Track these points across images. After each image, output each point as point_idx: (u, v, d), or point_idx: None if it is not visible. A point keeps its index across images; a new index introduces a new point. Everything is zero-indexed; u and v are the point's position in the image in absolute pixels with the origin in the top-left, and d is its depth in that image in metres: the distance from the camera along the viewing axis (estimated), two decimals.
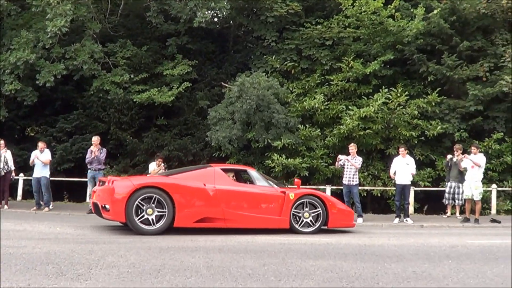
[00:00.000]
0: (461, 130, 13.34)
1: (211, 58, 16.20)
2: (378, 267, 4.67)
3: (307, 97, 13.72)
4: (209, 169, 7.98)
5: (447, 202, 11.41)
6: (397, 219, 10.27)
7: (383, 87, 13.20)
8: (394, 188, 10.79)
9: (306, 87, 14.03)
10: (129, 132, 15.09)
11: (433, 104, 13.30)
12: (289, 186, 9.95)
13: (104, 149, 10.63)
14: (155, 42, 15.63)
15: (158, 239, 6.34)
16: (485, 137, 13.49)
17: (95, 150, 10.28)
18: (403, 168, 10.26)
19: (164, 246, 5.63)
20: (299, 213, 7.83)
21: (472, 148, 10.49)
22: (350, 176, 10.13)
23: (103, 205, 7.11)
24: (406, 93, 13.33)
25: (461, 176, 10.91)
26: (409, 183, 10.45)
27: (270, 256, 5.17)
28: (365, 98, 13.48)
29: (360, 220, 9.97)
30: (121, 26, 15.62)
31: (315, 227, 7.83)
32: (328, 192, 12.25)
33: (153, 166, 11.00)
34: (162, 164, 10.96)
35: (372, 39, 14.06)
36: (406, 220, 10.18)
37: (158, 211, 7.00)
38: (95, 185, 9.03)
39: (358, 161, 10.26)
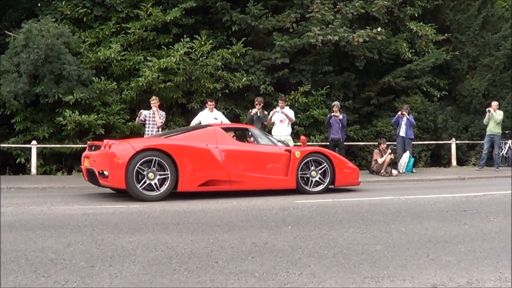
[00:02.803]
0: (267, 83, 16.20)
1: None
2: (210, 239, 4.92)
3: (102, 47, 15.50)
4: (209, 129, 9.22)
5: None
6: None
7: (185, 37, 15.42)
8: None
9: (100, 36, 15.81)
10: None
11: (238, 55, 16.04)
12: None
13: None
14: None
15: None
16: (291, 90, 16.50)
17: None
18: (212, 122, 12.28)
19: None
20: (306, 172, 9.39)
21: (280, 101, 13.17)
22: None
23: (101, 171, 8.11)
24: (210, 42, 15.70)
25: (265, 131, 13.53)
26: None
27: (74, 232, 5.22)
28: (165, 48, 15.68)
29: None
30: None
31: (323, 186, 9.44)
32: None
33: None
34: None
35: None
36: None
37: (160, 175, 8.09)
38: None
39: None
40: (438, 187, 10.99)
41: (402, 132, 15.06)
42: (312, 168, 9.40)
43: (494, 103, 15.72)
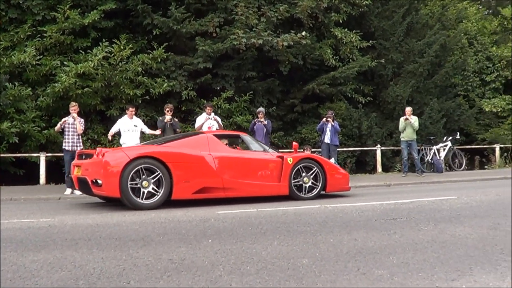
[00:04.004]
0: (189, 89, 17.55)
1: None
2: (123, 256, 4.97)
3: (16, 51, 16.37)
4: (201, 136, 10.11)
5: None
6: (69, 190, 12.43)
7: (104, 41, 16.52)
8: None
9: (15, 40, 16.72)
10: None
11: (159, 60, 17.33)
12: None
13: None
14: None
15: None
16: (214, 96, 17.91)
17: None
18: (131, 130, 13.32)
19: None
20: (298, 178, 10.30)
21: (208, 108, 14.55)
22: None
23: (94, 180, 8.75)
24: (130, 46, 16.87)
25: None
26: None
27: None
28: (83, 52, 16.77)
29: (69, 191, 12.35)
30: None
31: (315, 192, 10.40)
32: (43, 162, 15.17)
33: None
34: None
35: None
36: None
37: (155, 183, 8.78)
38: None
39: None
40: (364, 194, 11.57)
41: (327, 139, 16.56)
42: (304, 174, 10.35)
43: (408, 109, 17.64)
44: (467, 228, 6.38)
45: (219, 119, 14.77)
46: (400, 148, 18.27)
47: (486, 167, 22.89)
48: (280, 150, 18.53)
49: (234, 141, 12.00)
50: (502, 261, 4.67)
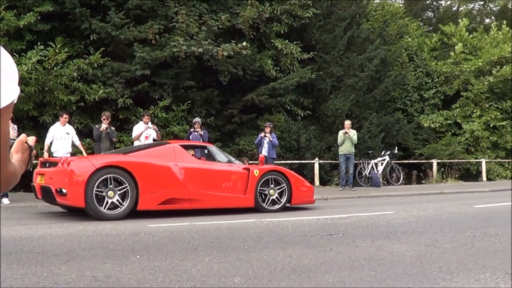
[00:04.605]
0: (125, 96, 18.01)
1: None
2: (44, 273, 4.96)
3: None
4: (168, 146, 10.39)
5: None
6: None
7: (39, 44, 16.80)
8: None
9: None
10: None
11: (95, 65, 17.72)
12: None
13: None
14: None
15: None
16: (151, 105, 18.44)
17: None
18: (63, 138, 13.87)
19: None
20: (264, 190, 10.79)
21: (146, 117, 15.19)
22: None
23: (58, 189, 8.87)
24: (66, 50, 17.22)
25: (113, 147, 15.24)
26: (69, 156, 13.48)
27: None
28: (17, 55, 16.96)
29: (5, 200, 12.38)
30: None
31: (281, 204, 10.89)
32: None
33: None
34: None
35: None
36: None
37: (120, 194, 9.03)
38: None
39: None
40: (301, 209, 11.81)
41: (264, 152, 17.39)
42: (271, 186, 10.95)
43: (347, 122, 18.73)
44: (405, 245, 6.56)
45: (156, 129, 15.31)
46: (338, 161, 19.17)
47: (423, 182, 24.19)
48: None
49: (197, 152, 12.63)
50: (441, 280, 4.76)
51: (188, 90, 19.65)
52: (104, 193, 9.06)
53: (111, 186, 9.07)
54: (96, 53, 17.60)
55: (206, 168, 10.68)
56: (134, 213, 9.43)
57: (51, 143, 13.90)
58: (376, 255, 5.91)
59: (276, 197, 11.00)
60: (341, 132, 18.47)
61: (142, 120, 15.23)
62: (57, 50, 17.03)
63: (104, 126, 14.48)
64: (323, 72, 22.64)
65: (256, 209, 10.73)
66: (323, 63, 23.06)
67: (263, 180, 10.87)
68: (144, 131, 14.77)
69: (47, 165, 9.98)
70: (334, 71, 22.99)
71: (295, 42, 21.35)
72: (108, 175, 9.05)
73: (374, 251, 6.16)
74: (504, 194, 16.48)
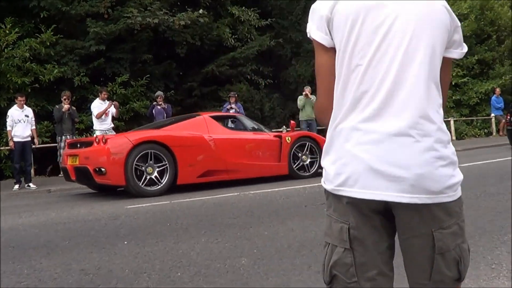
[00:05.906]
0: (81, 74, 17.75)
1: None
2: (24, 269, 4.52)
3: None
4: (199, 118, 10.32)
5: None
6: (17, 186, 12.94)
7: None
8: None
9: None
10: None
11: (48, 44, 17.35)
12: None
13: None
14: None
15: None
16: (108, 81, 18.22)
17: None
18: (23, 121, 13.49)
19: None
20: (297, 156, 10.90)
21: (103, 93, 14.84)
22: None
23: (97, 169, 8.73)
24: (16, 30, 16.83)
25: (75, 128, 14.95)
26: (30, 139, 13.59)
27: None
28: None
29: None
30: None
31: (314, 170, 10.98)
32: None
33: None
34: None
35: None
36: (29, 186, 12.99)
37: (159, 169, 9.05)
38: None
39: None
40: (278, 179, 11.09)
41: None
42: (303, 152, 11.14)
43: (308, 88, 18.27)
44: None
45: (118, 105, 15.15)
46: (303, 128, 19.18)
47: None
48: None
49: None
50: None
51: (146, 64, 19.45)
52: (143, 169, 9.14)
53: (150, 162, 9.17)
54: (48, 31, 17.28)
55: (240, 138, 10.77)
56: (174, 188, 9.45)
57: (12, 128, 13.60)
58: None
59: (308, 163, 11.21)
60: (301, 96, 18.13)
61: (99, 97, 14.98)
62: (7, 31, 16.71)
63: (66, 106, 14.25)
64: (282, 38, 22.60)
65: (291, 176, 10.89)
66: (281, 29, 23.03)
67: (295, 146, 11.08)
68: (109, 107, 14.57)
69: (78, 145, 9.95)
70: (293, 36, 22.97)
71: (252, 9, 21.27)
72: (147, 151, 9.15)
73: None
74: (479, 152, 16.60)
